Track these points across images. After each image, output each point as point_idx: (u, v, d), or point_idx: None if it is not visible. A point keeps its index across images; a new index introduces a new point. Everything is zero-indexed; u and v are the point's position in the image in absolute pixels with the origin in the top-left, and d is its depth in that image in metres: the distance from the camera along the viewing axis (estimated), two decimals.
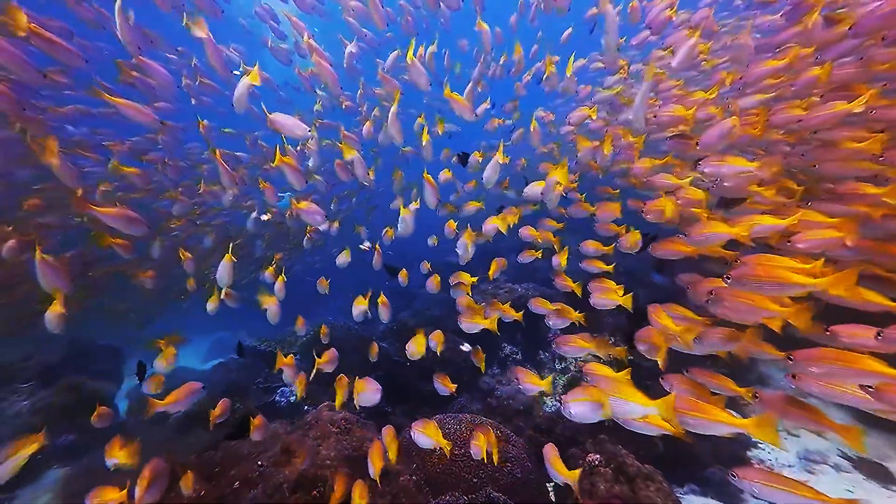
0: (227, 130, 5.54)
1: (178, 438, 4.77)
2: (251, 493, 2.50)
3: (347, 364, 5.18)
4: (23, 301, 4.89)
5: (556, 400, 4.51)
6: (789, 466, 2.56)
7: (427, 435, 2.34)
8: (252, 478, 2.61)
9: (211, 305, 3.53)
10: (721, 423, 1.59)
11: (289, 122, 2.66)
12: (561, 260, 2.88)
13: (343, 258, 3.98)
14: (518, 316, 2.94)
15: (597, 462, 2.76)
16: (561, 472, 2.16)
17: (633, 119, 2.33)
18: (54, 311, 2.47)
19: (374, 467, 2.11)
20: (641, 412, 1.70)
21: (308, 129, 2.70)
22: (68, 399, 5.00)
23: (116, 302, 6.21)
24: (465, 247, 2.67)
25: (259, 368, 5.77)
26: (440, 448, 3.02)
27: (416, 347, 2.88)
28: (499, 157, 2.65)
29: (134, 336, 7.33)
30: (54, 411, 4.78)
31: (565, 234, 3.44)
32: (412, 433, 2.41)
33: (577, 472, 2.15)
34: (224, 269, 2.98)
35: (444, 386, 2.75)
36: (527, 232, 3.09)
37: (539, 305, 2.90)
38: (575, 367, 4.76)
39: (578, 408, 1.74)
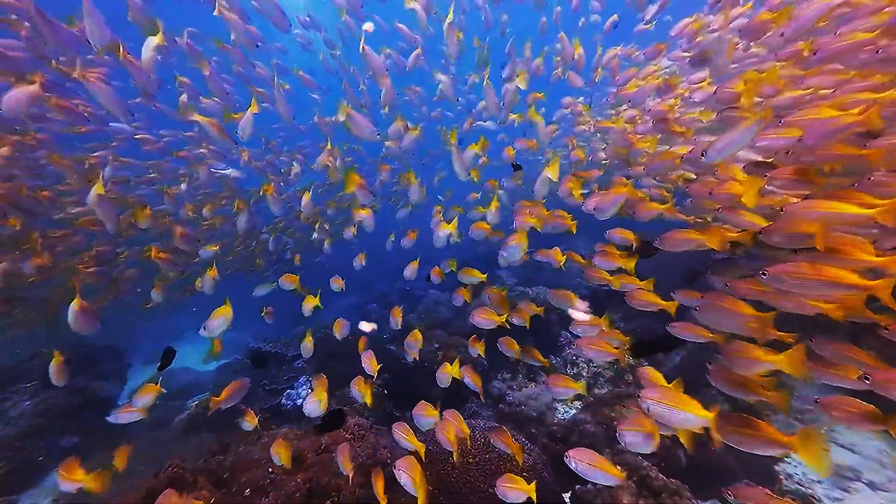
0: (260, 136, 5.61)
1: (184, 441, 4.70)
2: (263, 501, 2.42)
3: (355, 366, 5.12)
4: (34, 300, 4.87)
5: (568, 407, 4.43)
6: (818, 482, 2.47)
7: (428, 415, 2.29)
8: (263, 485, 2.53)
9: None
10: (770, 441, 1.50)
11: (361, 121, 2.65)
12: (614, 258, 2.59)
13: (359, 260, 3.93)
14: (539, 311, 2.90)
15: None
16: (611, 472, 2.02)
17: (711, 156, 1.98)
18: (57, 362, 2.71)
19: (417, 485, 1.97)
20: (697, 423, 1.64)
21: (376, 131, 2.71)
22: (72, 400, 4.94)
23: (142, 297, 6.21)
24: (521, 250, 2.50)
25: (265, 370, 5.70)
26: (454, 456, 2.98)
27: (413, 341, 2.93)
28: (552, 173, 2.56)
29: (138, 336, 7.27)
30: (58, 412, 4.71)
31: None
32: (415, 416, 2.35)
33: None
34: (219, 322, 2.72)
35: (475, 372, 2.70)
36: (562, 221, 2.91)
37: (562, 297, 2.80)
38: (587, 372, 4.69)
39: (632, 437, 1.70)
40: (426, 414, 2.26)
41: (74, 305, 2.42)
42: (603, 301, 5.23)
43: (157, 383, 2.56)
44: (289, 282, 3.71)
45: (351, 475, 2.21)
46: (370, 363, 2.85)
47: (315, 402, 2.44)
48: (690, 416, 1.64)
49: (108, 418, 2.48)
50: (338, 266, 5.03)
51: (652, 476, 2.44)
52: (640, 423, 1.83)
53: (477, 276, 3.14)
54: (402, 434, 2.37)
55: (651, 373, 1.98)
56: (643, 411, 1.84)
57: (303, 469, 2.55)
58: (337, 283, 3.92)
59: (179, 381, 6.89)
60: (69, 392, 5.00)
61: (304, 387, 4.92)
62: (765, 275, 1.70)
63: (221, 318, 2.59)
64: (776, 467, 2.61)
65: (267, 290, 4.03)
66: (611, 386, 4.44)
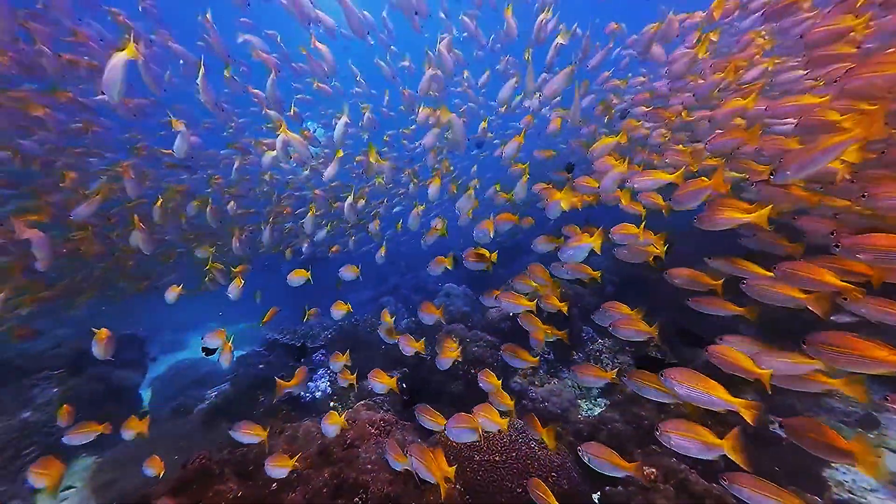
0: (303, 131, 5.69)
1: (205, 430, 4.74)
2: (291, 496, 2.39)
3: (371, 359, 5.08)
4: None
5: (592, 403, 4.33)
6: (872, 491, 2.33)
7: (469, 427, 2.19)
8: (290, 479, 2.50)
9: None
10: (840, 449, 1.40)
11: (460, 128, 3.09)
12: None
13: (380, 254, 3.88)
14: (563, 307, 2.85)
15: (652, 476, 2.57)
16: (621, 465, 1.96)
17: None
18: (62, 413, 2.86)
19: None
20: (723, 406, 1.64)
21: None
22: (96, 388, 5.01)
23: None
24: (586, 250, 2.33)
25: (283, 362, 5.71)
26: (480, 455, 2.91)
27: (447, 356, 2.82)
28: (621, 169, 2.42)
29: (158, 325, 7.36)
30: (83, 400, 4.79)
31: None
32: (451, 431, 2.26)
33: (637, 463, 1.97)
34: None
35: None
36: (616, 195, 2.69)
37: (582, 270, 2.68)
38: (611, 368, 4.56)
39: (681, 441, 1.60)
40: (468, 426, 2.15)
41: (100, 335, 2.64)
42: (627, 293, 5.08)
43: (144, 418, 2.76)
44: (298, 277, 3.69)
45: (403, 469, 2.16)
46: (410, 345, 2.83)
47: (333, 426, 2.41)
48: (716, 399, 1.64)
49: (63, 440, 2.57)
50: (352, 259, 5.00)
51: (692, 480, 2.33)
52: (688, 428, 1.73)
53: (485, 254, 3.07)
54: (427, 416, 2.36)
55: (728, 350, 1.81)
56: (667, 389, 1.81)
57: (330, 464, 2.51)
58: (350, 272, 3.85)
59: (198, 371, 6.98)
60: (93, 380, 5.08)
61: (322, 379, 4.90)
62: (837, 247, 1.58)
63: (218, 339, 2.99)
64: (823, 472, 2.48)
65: (258, 298, 4.13)
66: None
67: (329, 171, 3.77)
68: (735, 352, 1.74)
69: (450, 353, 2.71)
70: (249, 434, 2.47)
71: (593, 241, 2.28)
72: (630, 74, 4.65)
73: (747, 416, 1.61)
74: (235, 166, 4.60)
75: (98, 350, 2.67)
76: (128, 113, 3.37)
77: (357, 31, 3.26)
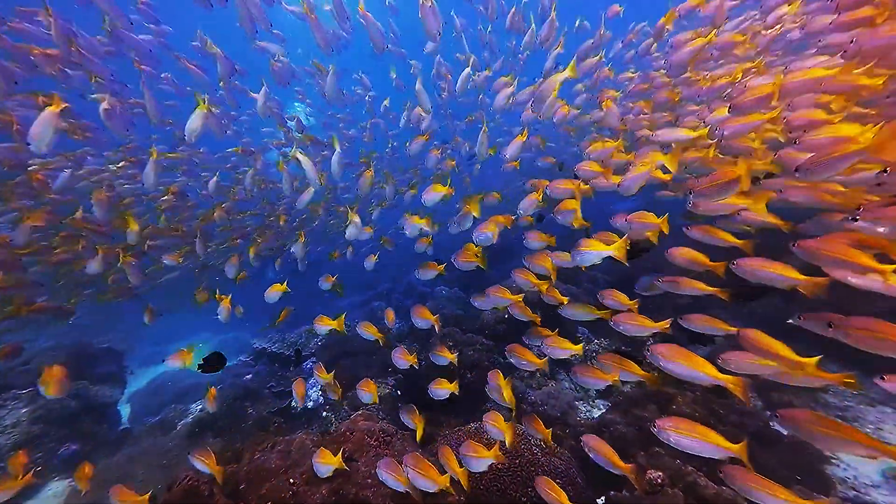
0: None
1: (189, 446, 4.50)
2: None
3: (366, 366, 4.95)
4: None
5: (590, 405, 4.30)
6: (875, 487, 2.35)
7: (481, 457, 2.13)
8: (285, 497, 2.36)
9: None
10: (859, 444, 1.37)
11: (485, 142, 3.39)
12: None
13: (370, 261, 3.82)
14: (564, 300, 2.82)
15: (659, 480, 2.53)
16: (618, 465, 1.97)
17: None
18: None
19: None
20: (708, 381, 1.66)
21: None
22: (70, 406, 4.72)
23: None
24: (599, 257, 2.17)
25: (272, 371, 5.51)
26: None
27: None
28: (647, 169, 2.36)
29: (137, 338, 7.05)
30: (55, 419, 4.50)
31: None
32: (464, 458, 2.17)
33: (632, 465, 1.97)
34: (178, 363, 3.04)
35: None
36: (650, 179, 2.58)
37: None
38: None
39: (680, 438, 1.55)
40: (479, 455, 2.09)
41: (52, 373, 2.46)
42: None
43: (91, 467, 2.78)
44: (274, 292, 3.67)
45: (413, 493, 2.06)
46: (404, 357, 2.81)
47: (326, 466, 2.28)
48: (700, 374, 1.67)
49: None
50: (347, 262, 4.87)
51: (701, 484, 2.29)
52: (686, 426, 1.70)
53: (473, 249, 2.98)
54: (409, 416, 2.39)
55: (759, 335, 1.72)
56: (654, 364, 1.81)
57: (327, 480, 2.38)
58: (328, 282, 3.86)
59: (181, 384, 6.68)
60: (67, 397, 4.78)
61: (314, 388, 4.74)
62: (855, 220, 1.56)
63: (181, 361, 2.92)
64: (826, 468, 2.48)
65: (240, 313, 4.08)
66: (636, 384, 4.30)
67: (302, 199, 3.91)
68: (768, 337, 1.66)
69: (446, 386, 2.67)
70: (202, 462, 2.36)
71: (614, 250, 2.18)
72: (633, 66, 4.71)
73: (736, 391, 1.61)
74: (213, 179, 4.52)
75: (50, 389, 2.41)
76: (120, 128, 3.19)
77: (377, 45, 3.28)
